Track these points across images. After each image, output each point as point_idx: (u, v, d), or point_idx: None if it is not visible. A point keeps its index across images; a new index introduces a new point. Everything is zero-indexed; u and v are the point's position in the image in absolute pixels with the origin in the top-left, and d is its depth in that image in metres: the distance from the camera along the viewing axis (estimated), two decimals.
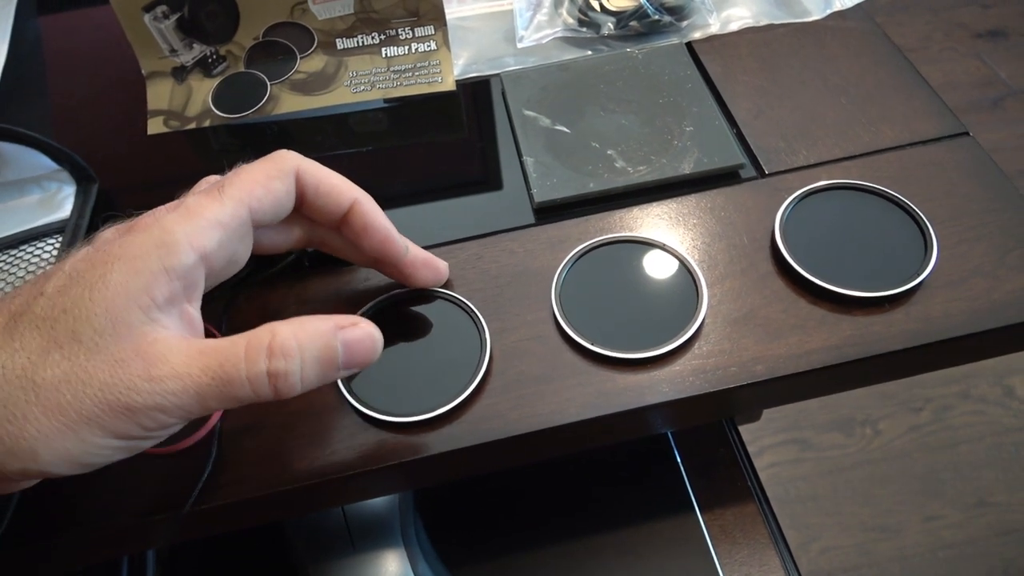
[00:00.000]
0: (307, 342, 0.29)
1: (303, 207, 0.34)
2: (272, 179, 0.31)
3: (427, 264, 0.38)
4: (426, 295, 0.39)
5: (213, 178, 0.34)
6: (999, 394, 1.26)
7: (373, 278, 0.41)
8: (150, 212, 0.30)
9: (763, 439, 1.24)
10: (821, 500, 1.18)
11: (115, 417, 0.26)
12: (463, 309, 0.38)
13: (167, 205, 0.30)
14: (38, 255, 0.43)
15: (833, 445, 1.23)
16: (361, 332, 0.31)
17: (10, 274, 0.42)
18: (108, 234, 0.29)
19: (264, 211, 0.31)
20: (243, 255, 0.32)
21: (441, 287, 0.39)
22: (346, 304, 0.40)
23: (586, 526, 0.47)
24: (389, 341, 0.38)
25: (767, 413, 1.23)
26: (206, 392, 0.27)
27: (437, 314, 0.38)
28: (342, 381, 0.36)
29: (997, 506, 1.15)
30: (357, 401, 0.35)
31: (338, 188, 0.34)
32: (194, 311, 0.30)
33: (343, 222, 0.35)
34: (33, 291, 0.27)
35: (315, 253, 0.42)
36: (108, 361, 0.26)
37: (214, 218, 0.29)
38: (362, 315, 0.38)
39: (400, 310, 0.39)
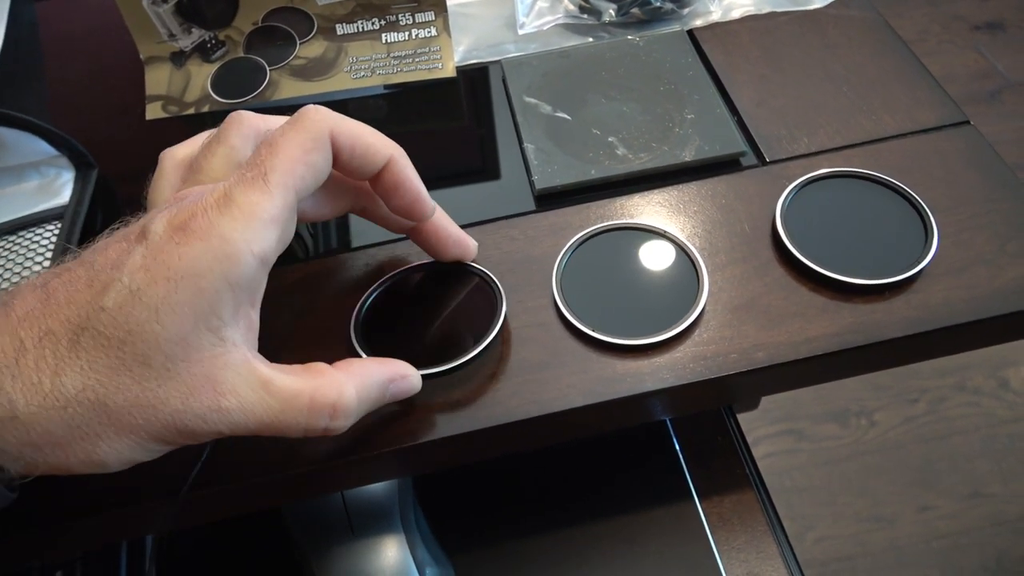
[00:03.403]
0: (365, 397, 0.31)
1: (335, 166, 0.32)
2: (310, 152, 0.30)
3: (458, 244, 0.38)
4: (449, 268, 0.39)
5: (246, 129, 0.33)
6: (994, 386, 1.27)
7: (379, 256, 0.40)
8: (197, 201, 0.28)
9: (758, 429, 1.24)
10: (816, 490, 1.18)
11: (181, 436, 0.28)
12: (489, 286, 0.38)
13: (210, 190, 0.28)
14: (36, 241, 0.43)
15: (828, 436, 1.23)
16: (407, 385, 0.33)
17: (9, 260, 0.42)
18: (160, 229, 0.27)
19: (307, 189, 0.30)
20: (291, 235, 0.31)
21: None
22: (355, 282, 0.40)
23: (585, 513, 0.47)
24: (403, 308, 0.38)
25: (763, 404, 1.23)
26: (264, 429, 0.29)
27: (459, 288, 0.38)
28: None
29: (991, 497, 1.15)
30: None
31: (373, 147, 0.32)
32: (255, 315, 0.30)
33: (375, 178, 0.34)
34: (92, 302, 0.26)
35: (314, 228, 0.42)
36: (180, 389, 0.27)
37: (268, 216, 0.28)
38: (384, 281, 0.39)
39: (424, 279, 0.39)
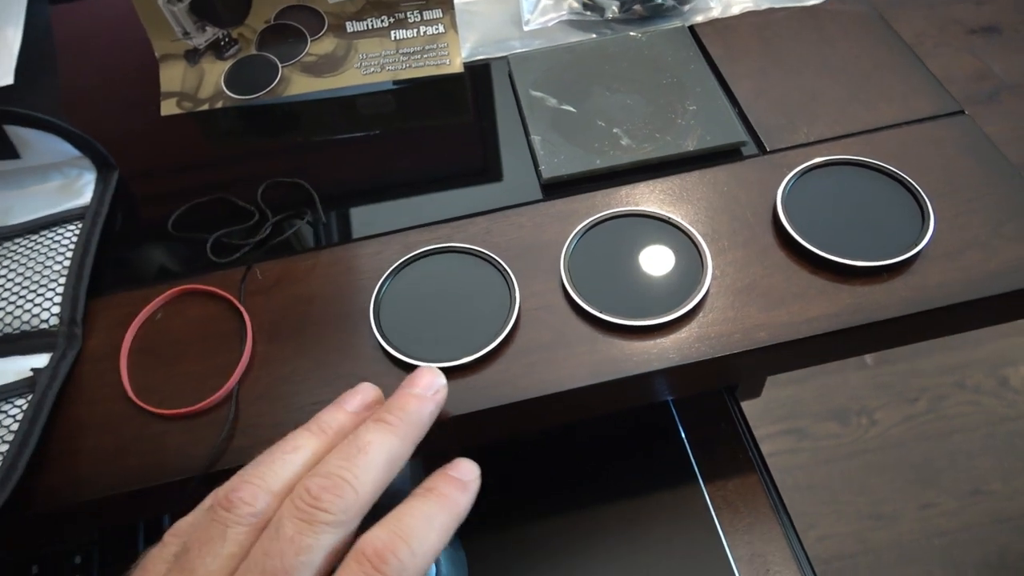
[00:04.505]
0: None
1: None
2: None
3: None
4: (461, 254, 0.40)
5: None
6: (994, 384, 1.27)
7: (390, 247, 0.42)
8: None
9: (761, 428, 1.25)
10: (818, 489, 1.19)
11: None
12: (499, 271, 0.39)
13: None
14: (58, 240, 0.44)
15: (829, 434, 1.24)
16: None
17: (29, 259, 0.43)
18: None
19: None
20: None
21: (470, 245, 0.41)
22: (371, 268, 0.41)
23: (592, 497, 0.48)
24: (419, 292, 0.39)
25: (764, 402, 1.24)
26: None
27: (469, 270, 0.40)
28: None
29: (992, 494, 1.16)
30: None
31: None
32: None
33: None
34: None
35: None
36: None
37: None
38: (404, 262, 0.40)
39: (434, 264, 0.40)
